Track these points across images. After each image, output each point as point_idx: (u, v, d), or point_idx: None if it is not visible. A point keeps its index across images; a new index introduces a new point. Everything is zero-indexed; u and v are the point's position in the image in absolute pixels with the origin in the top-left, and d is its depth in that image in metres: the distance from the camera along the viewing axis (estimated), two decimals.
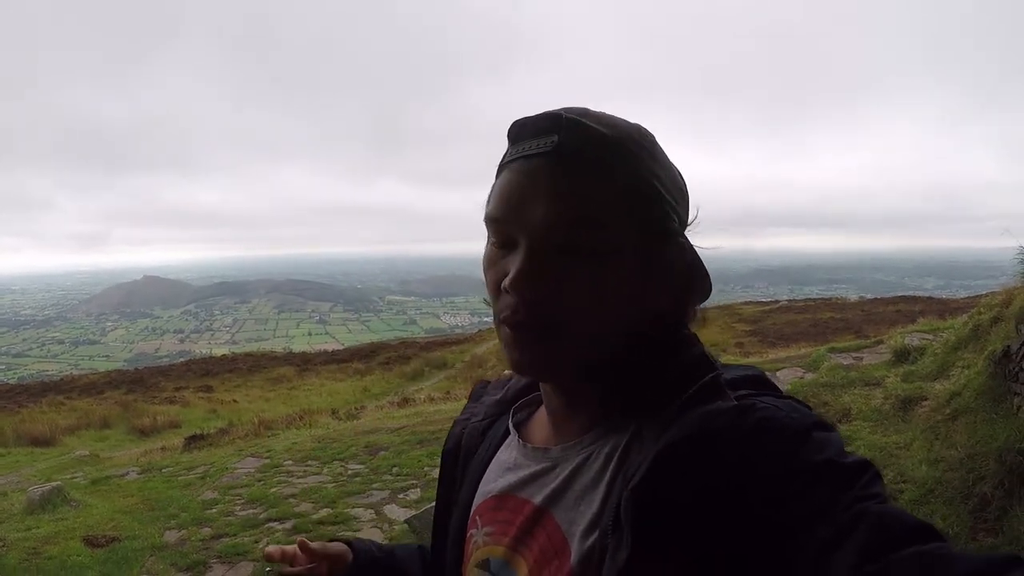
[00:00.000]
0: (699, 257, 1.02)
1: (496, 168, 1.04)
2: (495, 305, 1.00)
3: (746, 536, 0.77)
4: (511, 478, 1.10)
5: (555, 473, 1.03)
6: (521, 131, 0.99)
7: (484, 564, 1.09)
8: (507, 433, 1.21)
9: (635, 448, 0.92)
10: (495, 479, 1.14)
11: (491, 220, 0.99)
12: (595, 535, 0.91)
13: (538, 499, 1.03)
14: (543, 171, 0.94)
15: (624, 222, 0.94)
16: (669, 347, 1.00)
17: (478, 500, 1.16)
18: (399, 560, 1.45)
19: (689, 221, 1.04)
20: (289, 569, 1.33)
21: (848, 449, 0.83)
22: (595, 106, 0.99)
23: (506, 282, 0.94)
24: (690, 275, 1.02)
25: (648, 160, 0.97)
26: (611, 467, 0.95)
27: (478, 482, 1.19)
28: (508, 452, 1.16)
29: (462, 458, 1.27)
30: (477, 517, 1.14)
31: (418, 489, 8.23)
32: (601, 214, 0.93)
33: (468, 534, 1.15)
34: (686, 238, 1.02)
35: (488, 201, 1.03)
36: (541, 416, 1.16)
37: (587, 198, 0.92)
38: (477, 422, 1.29)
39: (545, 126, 0.96)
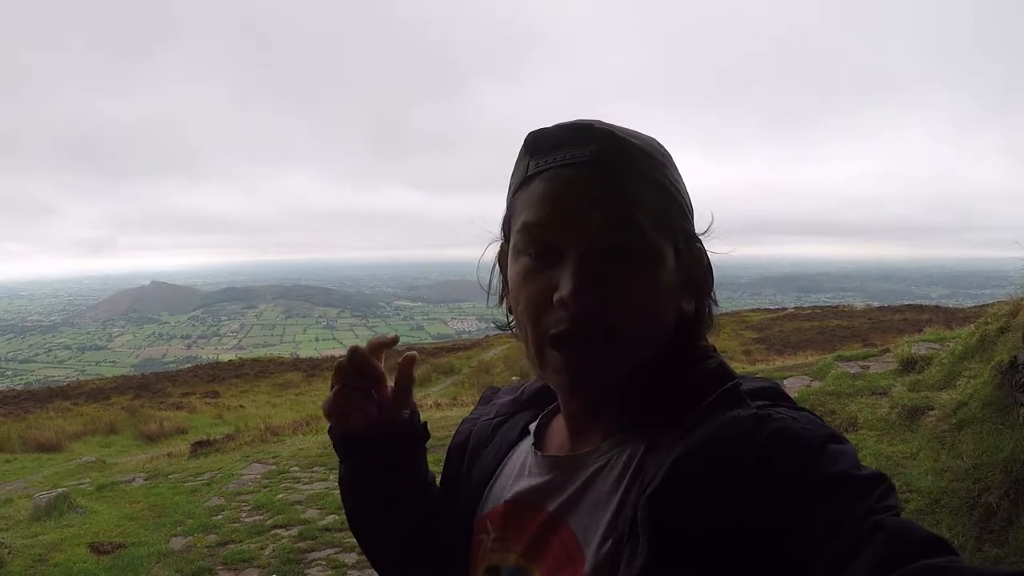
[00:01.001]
0: (710, 259, 1.07)
1: (517, 178, 1.05)
2: (539, 322, 0.99)
3: (762, 545, 0.77)
4: (524, 485, 1.10)
5: (571, 481, 1.03)
6: (549, 141, 1.01)
7: (494, 571, 1.08)
8: (522, 434, 1.22)
9: (652, 456, 0.92)
10: (508, 485, 1.14)
11: (533, 227, 0.99)
12: (610, 543, 0.91)
13: (552, 507, 1.03)
14: (587, 180, 0.96)
15: (661, 227, 0.97)
16: (690, 355, 1.02)
17: (489, 505, 1.15)
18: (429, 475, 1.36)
19: (706, 228, 1.07)
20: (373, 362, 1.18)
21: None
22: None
23: (564, 294, 0.93)
24: (706, 277, 1.06)
25: (671, 168, 1.02)
26: (628, 475, 0.95)
27: (487, 480, 1.19)
28: (522, 458, 1.16)
29: (470, 454, 1.27)
30: (488, 522, 1.13)
31: None
32: (644, 220, 0.95)
33: (478, 539, 1.14)
34: (701, 241, 1.06)
35: (515, 211, 1.05)
36: (558, 424, 1.16)
37: (631, 205, 0.95)
38: (488, 419, 1.30)
39: (579, 136, 0.98)
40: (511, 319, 1.12)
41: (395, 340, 1.21)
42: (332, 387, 1.19)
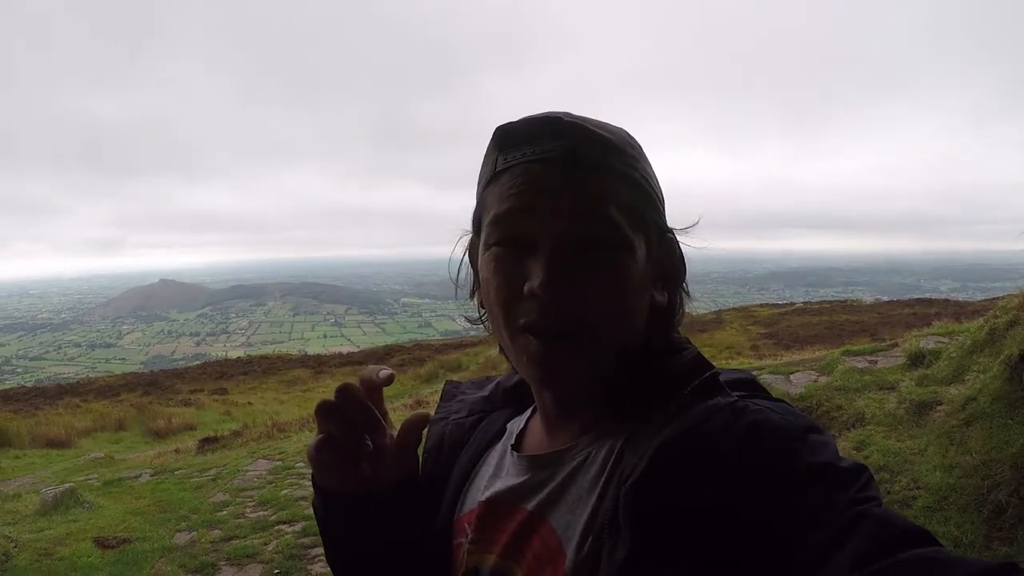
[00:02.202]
0: (682, 250, 1.06)
1: (486, 172, 1.04)
2: (510, 313, 0.98)
3: (745, 535, 0.77)
4: (501, 485, 1.09)
5: (550, 478, 1.02)
6: (518, 136, 0.99)
7: (473, 572, 1.07)
8: (500, 433, 1.20)
9: (631, 448, 0.91)
10: (485, 485, 1.13)
11: (503, 219, 0.98)
12: (591, 537, 0.90)
13: (531, 505, 1.02)
14: (557, 173, 0.95)
15: (633, 220, 0.96)
16: (666, 347, 1.01)
17: (468, 506, 1.14)
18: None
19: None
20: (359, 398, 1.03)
21: (863, 454, 0.82)
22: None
23: (535, 285, 0.92)
24: (679, 268, 1.06)
25: (642, 161, 1.01)
26: (608, 468, 0.94)
27: (464, 481, 1.17)
28: (499, 458, 1.15)
29: (446, 455, 1.24)
30: (466, 524, 1.11)
31: None
32: (615, 212, 0.95)
33: (457, 542, 1.12)
34: (673, 232, 1.05)
35: (485, 206, 1.03)
36: (535, 422, 1.15)
37: (601, 198, 0.95)
38: (461, 418, 1.28)
39: (548, 130, 0.97)
40: (483, 313, 1.11)
41: (390, 379, 1.07)
42: (318, 431, 1.03)
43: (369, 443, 1.05)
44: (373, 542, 1.11)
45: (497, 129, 1.01)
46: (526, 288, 0.93)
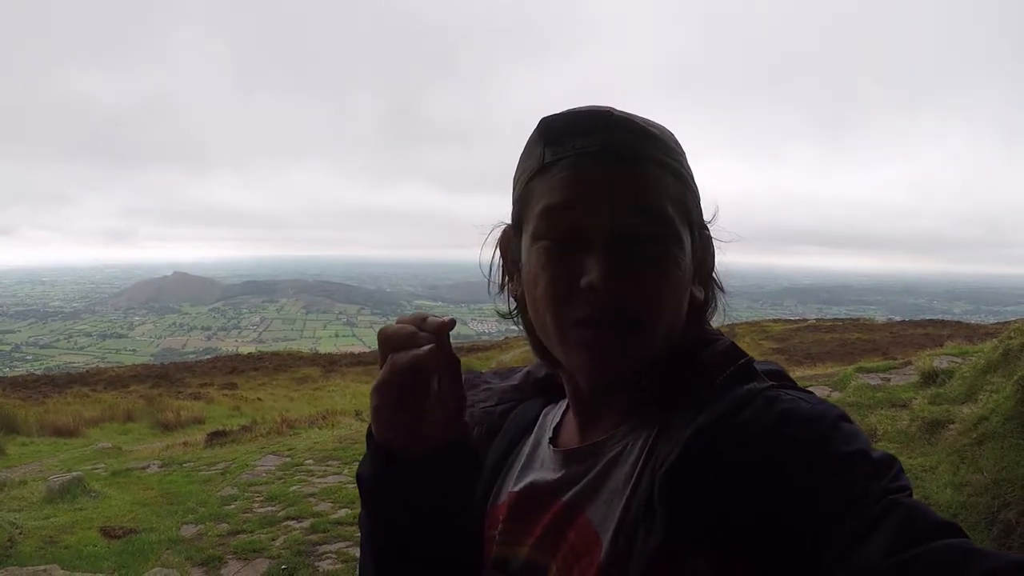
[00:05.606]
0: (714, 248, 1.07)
1: (531, 164, 1.03)
2: (562, 307, 0.96)
3: (777, 521, 0.78)
4: (535, 478, 1.09)
5: (586, 471, 1.02)
6: (566, 129, 0.99)
7: (503, 563, 1.06)
8: (533, 422, 1.20)
9: (665, 436, 0.92)
10: (519, 476, 1.12)
11: (557, 210, 0.97)
12: (627, 526, 0.90)
13: (567, 498, 1.02)
14: (612, 167, 0.96)
15: (681, 214, 0.98)
16: (701, 339, 1.02)
17: (501, 497, 1.13)
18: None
19: (711, 217, 1.08)
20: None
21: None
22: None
23: (593, 279, 0.92)
24: (712, 265, 1.07)
25: (685, 156, 1.02)
26: (642, 458, 0.95)
27: (500, 470, 1.17)
28: (532, 448, 1.15)
29: (476, 443, 1.19)
30: (499, 515, 1.11)
31: None
32: (665, 207, 0.95)
33: (489, 533, 1.11)
34: (708, 230, 1.06)
35: (532, 198, 1.02)
36: (567, 418, 1.15)
37: (652, 192, 0.96)
38: (490, 407, 1.25)
39: (598, 124, 0.97)
40: (514, 308, 1.10)
41: (452, 324, 0.98)
42: (391, 368, 0.94)
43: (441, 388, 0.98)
44: (417, 511, 1.01)
45: (542, 121, 1.01)
46: (583, 282, 0.92)
